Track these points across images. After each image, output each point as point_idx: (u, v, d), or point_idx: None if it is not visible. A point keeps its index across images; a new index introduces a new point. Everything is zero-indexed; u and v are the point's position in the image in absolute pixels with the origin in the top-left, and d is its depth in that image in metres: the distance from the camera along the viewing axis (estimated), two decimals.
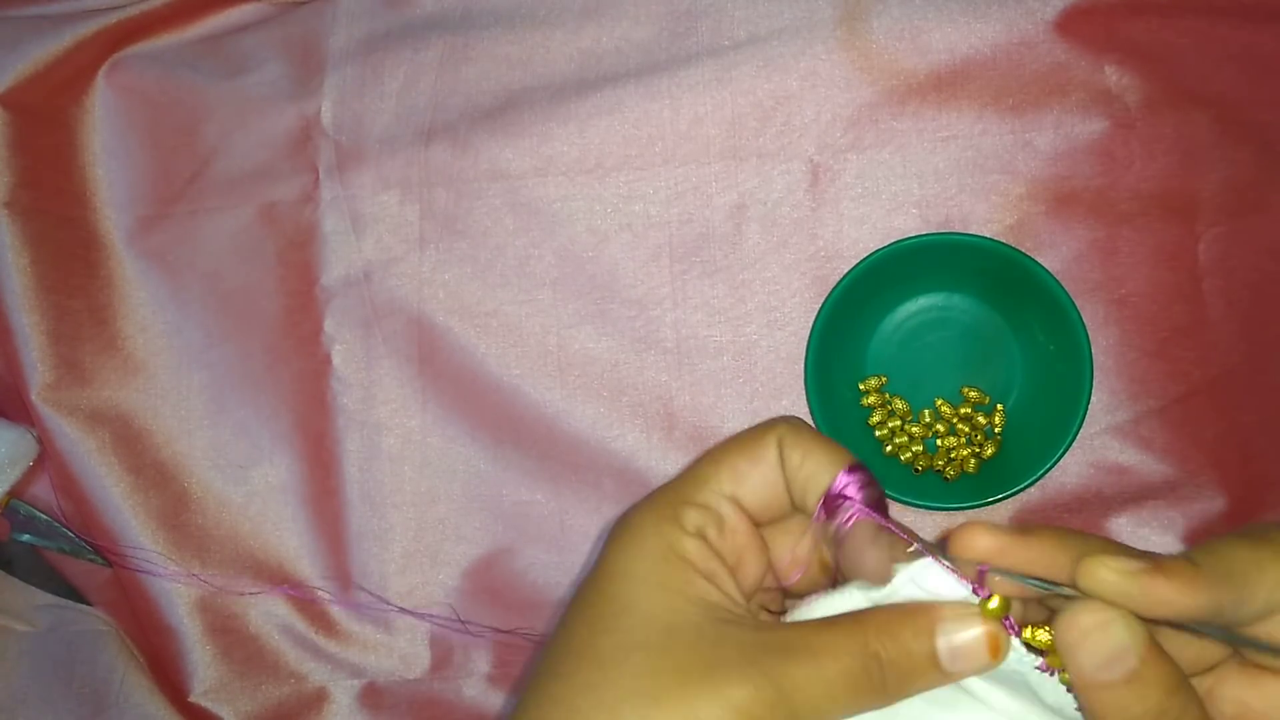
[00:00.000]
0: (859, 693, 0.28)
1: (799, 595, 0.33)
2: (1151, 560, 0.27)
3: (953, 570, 0.29)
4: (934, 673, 0.29)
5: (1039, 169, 0.53)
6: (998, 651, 0.28)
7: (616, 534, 0.31)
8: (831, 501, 0.31)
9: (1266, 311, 0.52)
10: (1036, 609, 0.30)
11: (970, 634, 0.28)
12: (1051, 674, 0.29)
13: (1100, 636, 0.27)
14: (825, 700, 0.28)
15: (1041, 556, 0.28)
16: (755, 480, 0.31)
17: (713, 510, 0.31)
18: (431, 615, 0.54)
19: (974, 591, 0.29)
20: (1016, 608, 0.30)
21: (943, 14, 0.53)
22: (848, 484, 0.31)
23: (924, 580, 0.29)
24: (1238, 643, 0.28)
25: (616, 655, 0.28)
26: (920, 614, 0.29)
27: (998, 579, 0.29)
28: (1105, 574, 0.27)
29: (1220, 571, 0.27)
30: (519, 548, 0.55)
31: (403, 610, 0.54)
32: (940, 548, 0.30)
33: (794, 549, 0.33)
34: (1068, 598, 0.28)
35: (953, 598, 0.29)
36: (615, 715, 0.27)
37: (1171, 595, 0.26)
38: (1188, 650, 0.29)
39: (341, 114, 0.56)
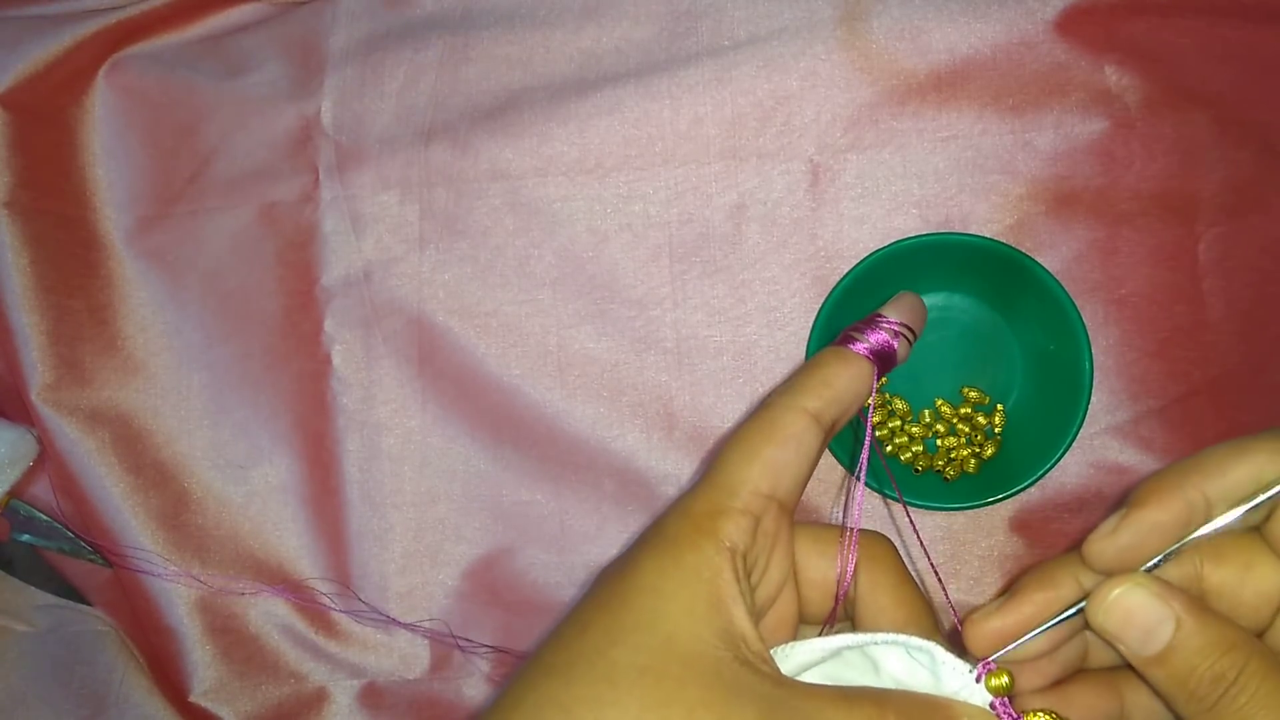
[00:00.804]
0: None
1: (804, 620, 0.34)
2: (1126, 505, 0.28)
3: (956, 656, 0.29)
4: None
5: (1039, 169, 0.53)
6: None
7: (649, 540, 0.30)
8: (873, 333, 0.33)
9: (1266, 311, 0.52)
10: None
11: None
12: None
13: (1126, 609, 0.27)
14: None
15: (1038, 608, 0.29)
16: (788, 461, 0.31)
17: (750, 515, 0.30)
18: (428, 630, 0.54)
19: (979, 675, 0.29)
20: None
21: (943, 14, 0.53)
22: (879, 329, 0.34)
23: (924, 669, 0.30)
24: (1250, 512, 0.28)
25: (629, 674, 0.27)
26: (940, 711, 0.29)
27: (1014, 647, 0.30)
28: (1098, 546, 0.28)
29: (1185, 469, 0.28)
30: (519, 548, 0.55)
31: (395, 623, 0.54)
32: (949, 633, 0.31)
33: (841, 560, 0.33)
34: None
35: (952, 674, 0.29)
36: None
37: (1159, 515, 0.28)
38: (1248, 602, 0.29)
39: (341, 114, 0.56)
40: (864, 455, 0.34)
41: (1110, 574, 0.28)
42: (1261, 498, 0.27)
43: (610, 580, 0.30)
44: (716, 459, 0.31)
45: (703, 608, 0.28)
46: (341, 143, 0.56)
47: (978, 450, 0.52)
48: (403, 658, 0.54)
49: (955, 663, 0.29)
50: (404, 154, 0.55)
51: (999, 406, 0.52)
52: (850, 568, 0.32)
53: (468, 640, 0.54)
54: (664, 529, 0.30)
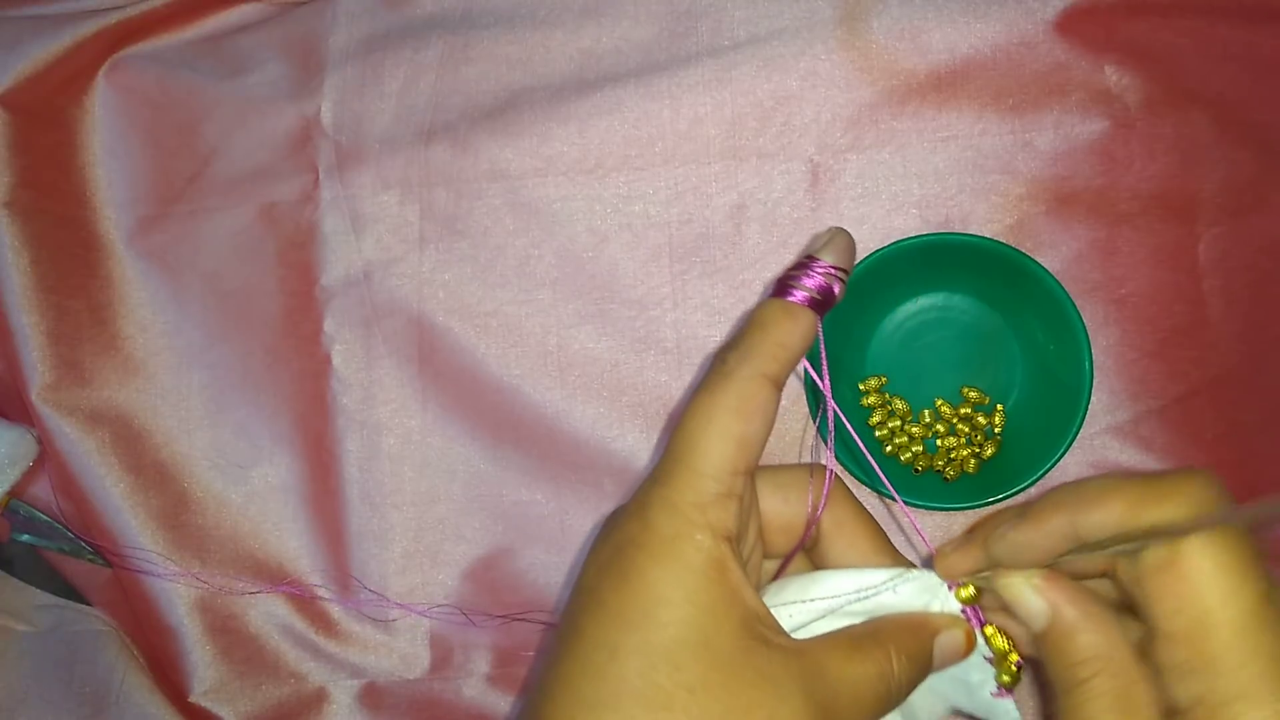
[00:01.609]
0: (880, 707, 0.31)
1: (774, 555, 0.36)
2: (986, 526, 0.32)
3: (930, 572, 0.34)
4: (927, 671, 0.33)
5: (1039, 169, 0.53)
6: (972, 647, 0.34)
7: (645, 543, 0.30)
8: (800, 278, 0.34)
9: (1266, 311, 0.52)
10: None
11: (955, 640, 0.33)
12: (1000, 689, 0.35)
13: (1010, 593, 0.32)
14: (857, 716, 0.30)
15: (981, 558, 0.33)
16: (754, 432, 0.31)
17: (734, 497, 0.31)
18: (432, 610, 0.54)
19: (951, 586, 0.34)
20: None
21: (943, 14, 0.53)
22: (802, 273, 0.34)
23: (903, 584, 0.34)
24: (1130, 547, 0.30)
25: (681, 695, 0.27)
26: (924, 629, 0.33)
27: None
28: (995, 545, 0.32)
29: (1067, 500, 0.30)
30: (519, 548, 0.55)
31: (403, 606, 0.54)
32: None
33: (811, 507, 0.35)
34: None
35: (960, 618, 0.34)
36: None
37: (1034, 535, 0.31)
38: None
39: (341, 114, 0.56)
40: (829, 405, 0.35)
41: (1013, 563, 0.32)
42: (1112, 549, 0.30)
43: (615, 592, 0.29)
44: (685, 436, 0.31)
45: (722, 605, 0.29)
46: (341, 143, 0.56)
47: (978, 450, 0.52)
48: (403, 658, 0.54)
49: (930, 578, 0.34)
50: (404, 154, 0.55)
51: (999, 406, 0.52)
52: (822, 507, 0.34)
53: (476, 611, 0.54)
54: (654, 526, 0.30)
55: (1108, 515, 0.29)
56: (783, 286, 0.34)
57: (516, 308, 0.55)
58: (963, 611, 0.34)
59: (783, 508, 0.35)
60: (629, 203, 0.54)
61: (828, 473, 0.34)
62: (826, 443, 0.35)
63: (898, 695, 0.31)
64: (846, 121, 0.53)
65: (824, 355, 0.35)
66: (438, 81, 0.56)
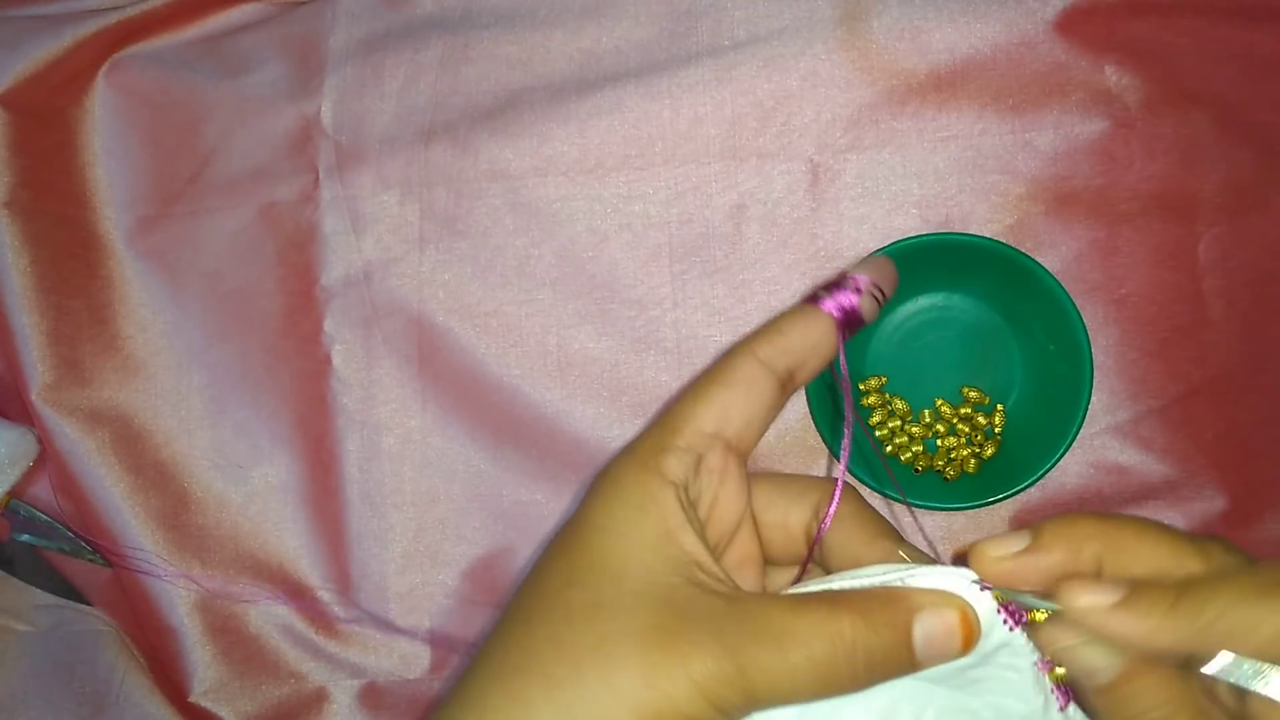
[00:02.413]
0: (824, 680, 0.28)
1: (779, 563, 0.34)
2: (1130, 589, 0.27)
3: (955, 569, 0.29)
4: (906, 663, 0.29)
5: (1039, 169, 0.53)
6: (970, 643, 0.29)
7: (597, 484, 0.31)
8: (838, 294, 0.33)
9: (1266, 311, 0.52)
10: None
11: (947, 623, 0.28)
12: (1046, 663, 0.29)
13: (1072, 655, 0.28)
14: (787, 684, 0.27)
15: (1054, 570, 0.29)
16: (735, 401, 0.31)
17: (692, 451, 0.31)
18: (422, 633, 0.54)
19: (984, 586, 0.29)
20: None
21: (943, 14, 0.53)
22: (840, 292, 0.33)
23: (919, 579, 0.29)
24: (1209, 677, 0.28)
25: (585, 611, 0.28)
26: (899, 601, 0.29)
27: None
28: (1077, 604, 0.27)
29: (1203, 617, 0.26)
30: (519, 548, 0.55)
31: (392, 628, 0.54)
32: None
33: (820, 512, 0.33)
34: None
35: (953, 594, 0.29)
36: (577, 670, 0.27)
37: (1139, 634, 0.27)
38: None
39: (341, 114, 0.56)
40: (848, 413, 0.34)
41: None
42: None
43: (565, 527, 0.31)
44: (670, 403, 0.32)
45: (651, 539, 0.29)
46: (341, 143, 0.56)
47: (978, 450, 0.52)
48: (403, 658, 0.54)
49: (955, 575, 0.29)
50: (404, 154, 0.55)
51: (999, 406, 0.52)
52: (827, 521, 0.33)
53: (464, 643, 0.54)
54: (611, 471, 0.31)
55: (1142, 560, 0.28)
56: (813, 294, 0.34)
57: (516, 308, 0.55)
58: (1001, 611, 0.29)
59: (779, 506, 0.34)
60: (629, 203, 0.54)
61: (837, 484, 0.33)
62: (840, 457, 0.34)
63: (847, 678, 0.28)
64: (846, 121, 0.53)
65: (844, 373, 0.33)
66: (438, 81, 0.56)
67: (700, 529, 0.30)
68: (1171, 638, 0.26)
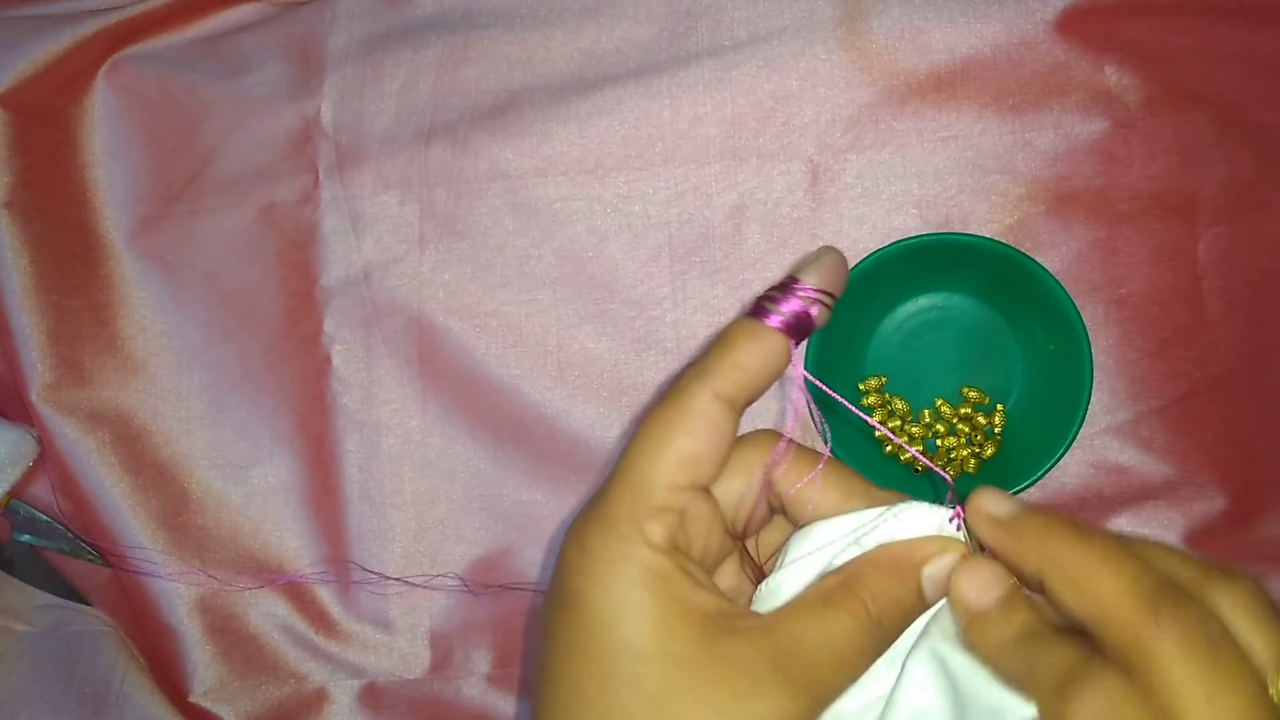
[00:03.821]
0: (867, 657, 0.29)
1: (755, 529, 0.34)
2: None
3: (937, 507, 0.31)
4: (920, 608, 0.30)
5: (1039, 169, 0.53)
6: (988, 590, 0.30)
7: (582, 566, 0.29)
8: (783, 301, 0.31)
9: (1266, 311, 0.52)
10: None
11: (945, 565, 0.30)
12: None
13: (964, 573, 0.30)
14: (844, 675, 0.29)
15: (1022, 549, 0.29)
16: (703, 450, 0.30)
17: (672, 511, 0.29)
18: (434, 580, 0.54)
19: (958, 525, 0.30)
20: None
21: (943, 14, 0.53)
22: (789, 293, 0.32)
23: (895, 519, 0.31)
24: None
25: (635, 710, 0.27)
26: (904, 563, 0.30)
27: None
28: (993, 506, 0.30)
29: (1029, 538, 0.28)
30: (519, 548, 0.55)
31: (405, 581, 0.54)
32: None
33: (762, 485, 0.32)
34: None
35: (922, 532, 0.30)
36: None
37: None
38: None
39: (341, 114, 0.56)
40: (790, 410, 0.34)
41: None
42: None
43: (564, 623, 0.29)
44: (629, 453, 0.30)
45: (671, 613, 0.28)
46: (341, 143, 0.56)
47: (978, 450, 0.52)
48: (403, 658, 0.54)
49: (935, 511, 0.30)
50: (404, 154, 0.55)
51: (999, 406, 0.52)
52: (771, 468, 0.32)
53: (481, 586, 0.54)
54: (591, 550, 0.29)
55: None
56: (757, 306, 0.32)
57: (516, 308, 0.55)
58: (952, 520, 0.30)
59: (741, 489, 0.32)
60: (629, 203, 0.54)
61: (784, 441, 0.32)
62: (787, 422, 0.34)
63: (881, 645, 0.29)
64: (846, 121, 0.53)
65: (801, 374, 0.32)
66: (438, 81, 0.56)
67: (704, 575, 0.29)
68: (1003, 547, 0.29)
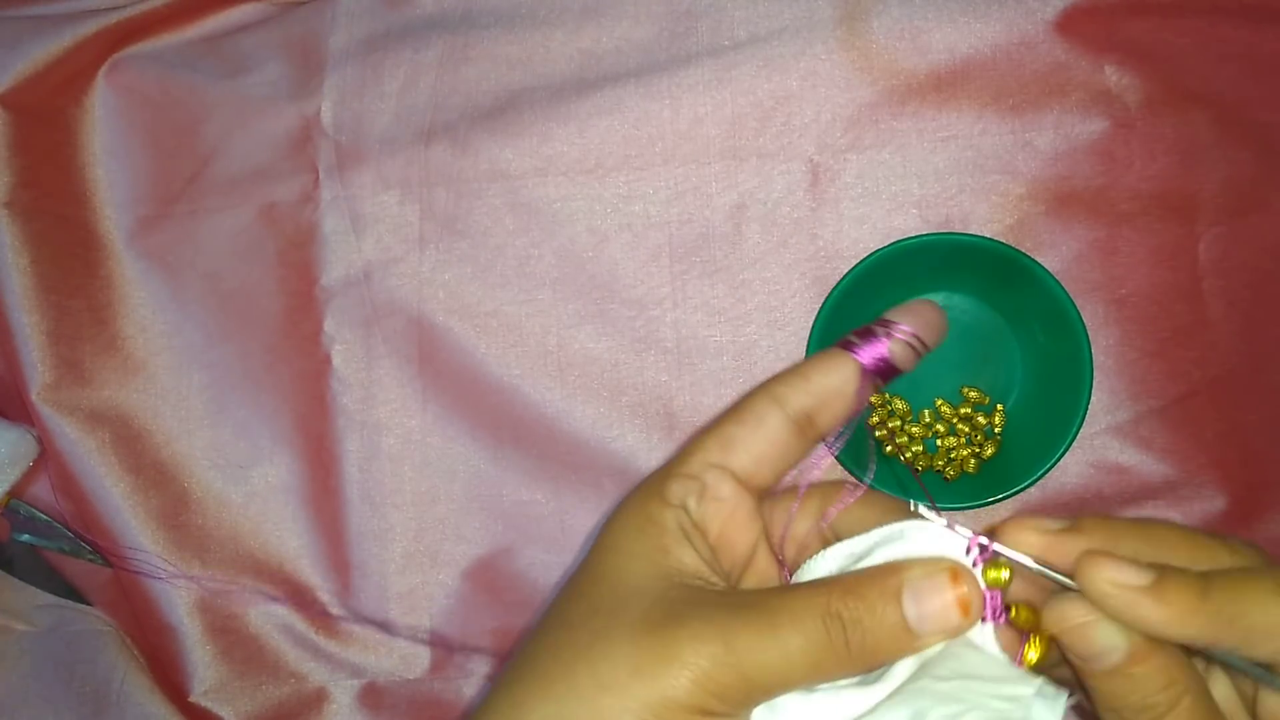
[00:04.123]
0: (820, 659, 0.27)
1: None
2: (1160, 573, 0.26)
3: (952, 527, 0.29)
4: (903, 636, 0.28)
5: (1039, 169, 0.53)
6: (969, 610, 0.28)
7: (610, 515, 0.32)
8: (869, 342, 0.32)
9: (1266, 311, 0.52)
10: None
11: (938, 595, 0.28)
12: (1029, 668, 0.28)
13: (1083, 633, 0.27)
14: (781, 662, 0.27)
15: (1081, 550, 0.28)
16: (746, 442, 0.32)
17: (696, 479, 0.31)
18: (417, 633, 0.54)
19: (976, 561, 0.28)
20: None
21: (943, 14, 0.53)
22: (875, 336, 0.32)
23: (915, 543, 0.29)
24: (1236, 668, 0.28)
25: (581, 618, 0.29)
26: (887, 573, 0.28)
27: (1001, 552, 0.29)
28: (1100, 584, 0.27)
29: (1230, 610, 0.26)
30: (519, 548, 0.55)
31: (389, 630, 0.54)
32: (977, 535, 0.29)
33: (790, 513, 0.33)
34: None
35: (946, 558, 0.28)
36: (570, 669, 0.28)
37: (1163, 621, 0.26)
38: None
39: (341, 114, 0.56)
40: (871, 462, 0.34)
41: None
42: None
43: (583, 558, 0.32)
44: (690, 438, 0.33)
45: (648, 553, 0.30)
46: (341, 143, 0.56)
47: (978, 450, 0.52)
48: (403, 658, 0.54)
49: (949, 534, 0.28)
50: (404, 154, 0.55)
51: (999, 406, 0.52)
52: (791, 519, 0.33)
53: (461, 646, 0.54)
54: (624, 500, 0.32)
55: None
56: (845, 340, 0.33)
57: (516, 308, 0.55)
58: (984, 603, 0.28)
59: (788, 526, 0.34)
60: (629, 203, 0.54)
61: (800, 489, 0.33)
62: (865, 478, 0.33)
63: (843, 656, 0.27)
64: (846, 121, 0.53)
65: (867, 415, 0.32)
66: (438, 81, 0.56)
67: (704, 547, 0.31)
68: (1196, 628, 0.26)
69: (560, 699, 0.27)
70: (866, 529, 0.31)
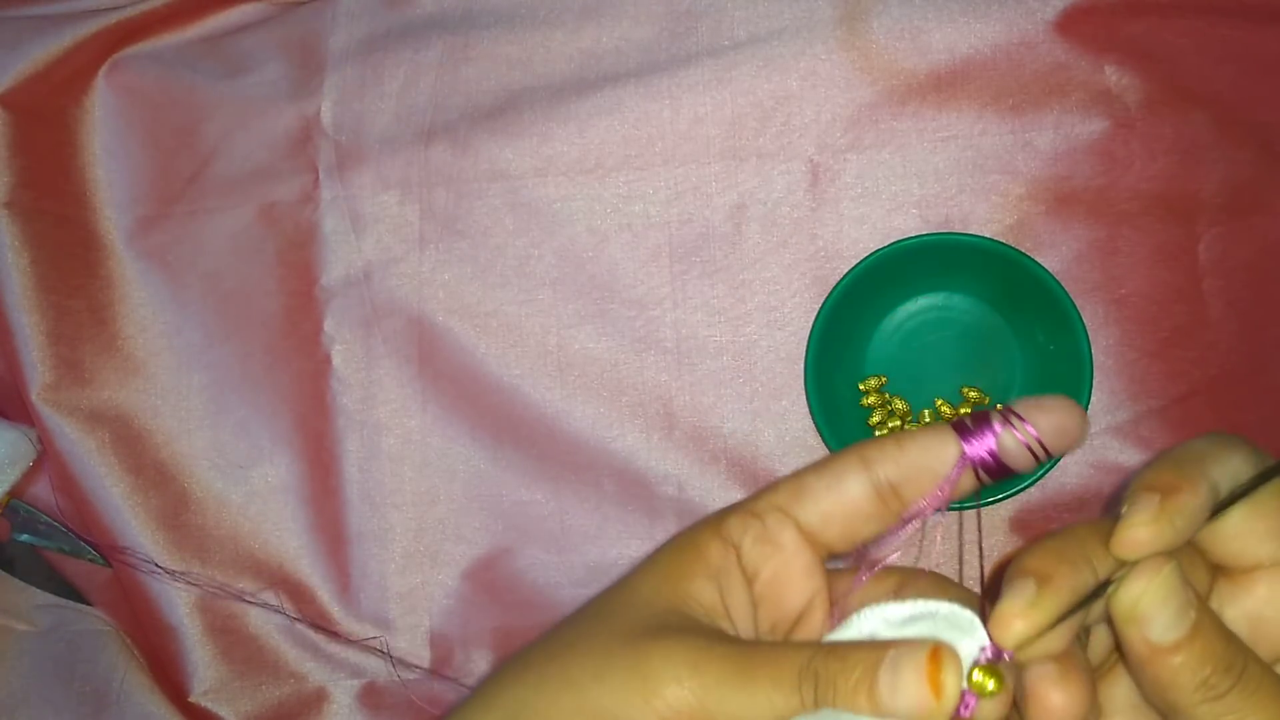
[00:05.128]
0: (783, 711, 0.26)
1: None
2: (1144, 492, 0.27)
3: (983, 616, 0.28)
4: (867, 705, 0.26)
5: (1039, 169, 0.53)
6: (940, 694, 0.26)
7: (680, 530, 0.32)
8: (975, 433, 0.29)
9: (1266, 311, 0.52)
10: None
11: (915, 670, 0.26)
12: None
13: (1164, 590, 0.27)
14: (746, 706, 0.26)
15: (1073, 596, 0.27)
16: (822, 497, 0.30)
17: (757, 518, 0.30)
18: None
19: (979, 659, 0.27)
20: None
21: (943, 14, 0.53)
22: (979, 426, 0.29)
23: (942, 625, 0.28)
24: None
25: (583, 616, 0.30)
26: (880, 643, 0.27)
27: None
28: (1138, 533, 0.27)
29: (1189, 456, 0.28)
30: (519, 548, 0.55)
31: (389, 657, 0.54)
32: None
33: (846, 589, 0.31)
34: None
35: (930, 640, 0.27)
36: (547, 662, 0.29)
37: (1191, 499, 0.27)
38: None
39: (341, 114, 0.56)
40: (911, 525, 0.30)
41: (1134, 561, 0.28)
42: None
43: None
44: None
45: (671, 574, 0.30)
46: (341, 143, 0.56)
47: None
48: (403, 658, 0.54)
49: (965, 619, 0.27)
50: (404, 154, 0.55)
51: (999, 407, 0.52)
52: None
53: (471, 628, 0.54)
54: (690, 525, 0.32)
55: (1243, 459, 0.27)
56: (961, 425, 0.30)
57: (516, 308, 0.55)
58: (962, 696, 0.26)
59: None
60: (629, 203, 0.54)
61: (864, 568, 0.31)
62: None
63: (806, 694, 0.26)
64: (846, 121, 0.53)
65: (949, 489, 0.29)
66: (438, 81, 0.56)
67: (741, 591, 0.30)
68: (1205, 484, 0.27)
69: (530, 685, 0.28)
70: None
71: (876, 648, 0.27)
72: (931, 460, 0.30)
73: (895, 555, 0.31)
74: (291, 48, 0.57)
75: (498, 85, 0.56)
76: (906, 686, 0.26)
